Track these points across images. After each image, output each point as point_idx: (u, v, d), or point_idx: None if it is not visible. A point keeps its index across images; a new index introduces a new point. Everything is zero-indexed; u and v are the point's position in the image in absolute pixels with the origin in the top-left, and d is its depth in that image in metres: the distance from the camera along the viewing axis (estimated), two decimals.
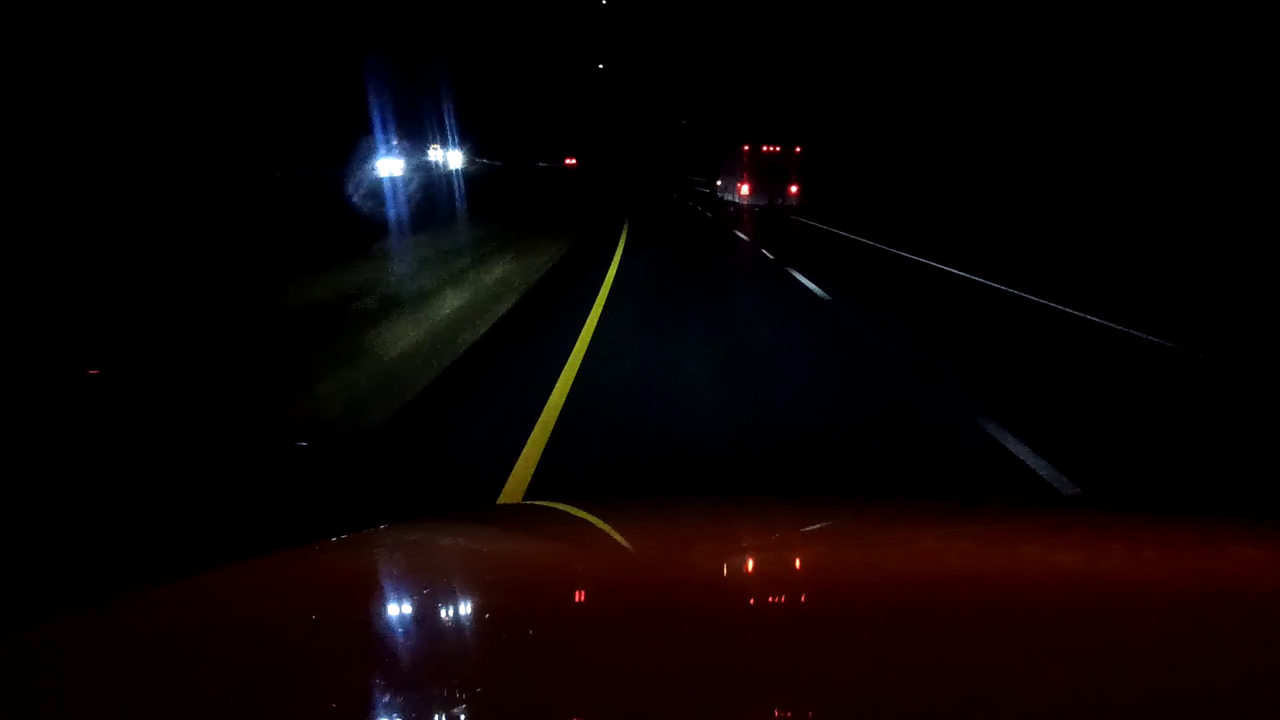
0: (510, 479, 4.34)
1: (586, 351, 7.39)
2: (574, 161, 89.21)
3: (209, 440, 4.71)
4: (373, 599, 1.22)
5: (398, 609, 1.16)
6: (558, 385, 6.22)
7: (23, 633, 1.05)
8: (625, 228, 23.12)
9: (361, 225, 18.91)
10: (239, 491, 4.04)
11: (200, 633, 1.08)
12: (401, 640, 1.04)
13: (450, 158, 57.38)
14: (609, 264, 14.42)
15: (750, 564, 1.44)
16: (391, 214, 24.11)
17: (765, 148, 33.87)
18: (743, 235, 22.27)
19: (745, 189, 33.94)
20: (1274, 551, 1.45)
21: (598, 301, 10.33)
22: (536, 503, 2.87)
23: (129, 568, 3.10)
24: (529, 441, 4.91)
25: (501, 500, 4.08)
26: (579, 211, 29.12)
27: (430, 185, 35.80)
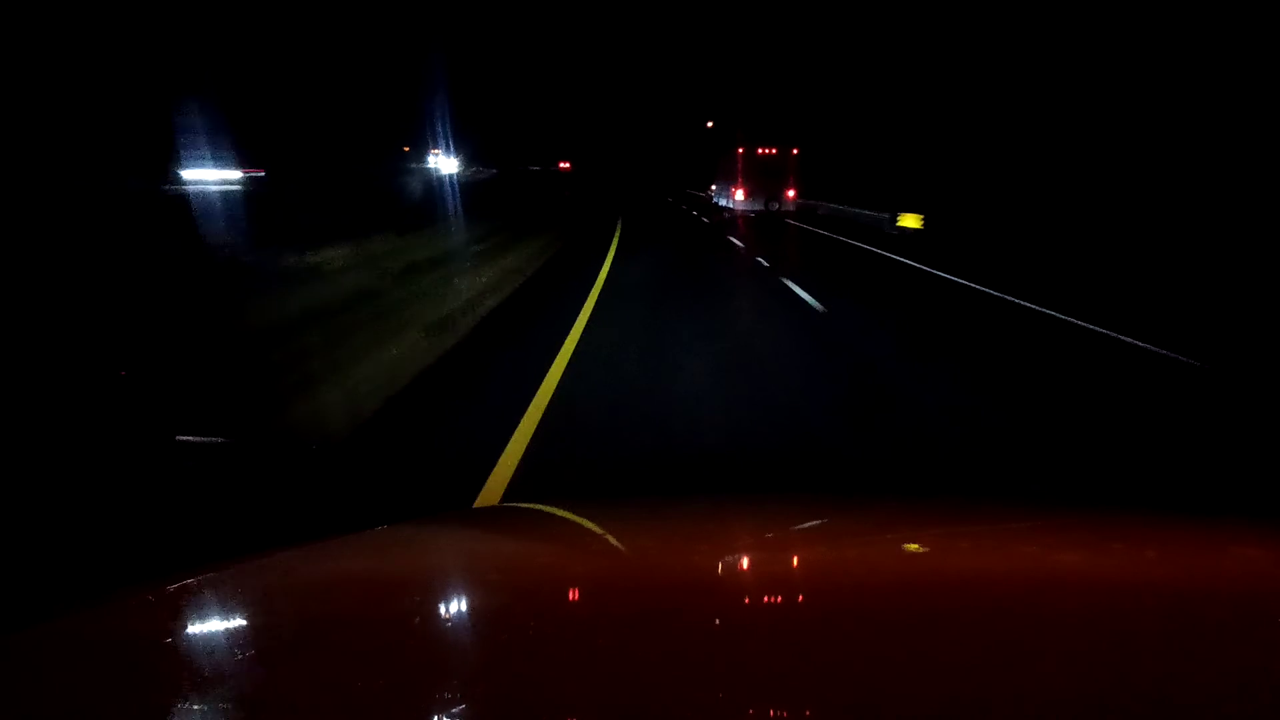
0: None
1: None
2: (568, 165, 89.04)
3: (208, 440, 4.69)
4: (367, 601, 1.21)
5: (392, 611, 1.16)
6: None
7: (23, 633, 1.05)
8: (616, 238, 20.62)
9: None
10: (239, 491, 4.03)
11: (199, 633, 1.08)
12: (395, 642, 1.04)
13: (444, 164, 54.53)
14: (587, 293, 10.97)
15: (743, 564, 1.44)
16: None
17: (760, 150, 32.73)
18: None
19: (740, 193, 32.79)
20: (1274, 551, 1.46)
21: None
22: (521, 504, 2.87)
23: (129, 568, 3.10)
24: None
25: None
26: (560, 225, 24.80)
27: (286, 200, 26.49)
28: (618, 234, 23.33)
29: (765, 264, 15.80)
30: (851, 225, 26.73)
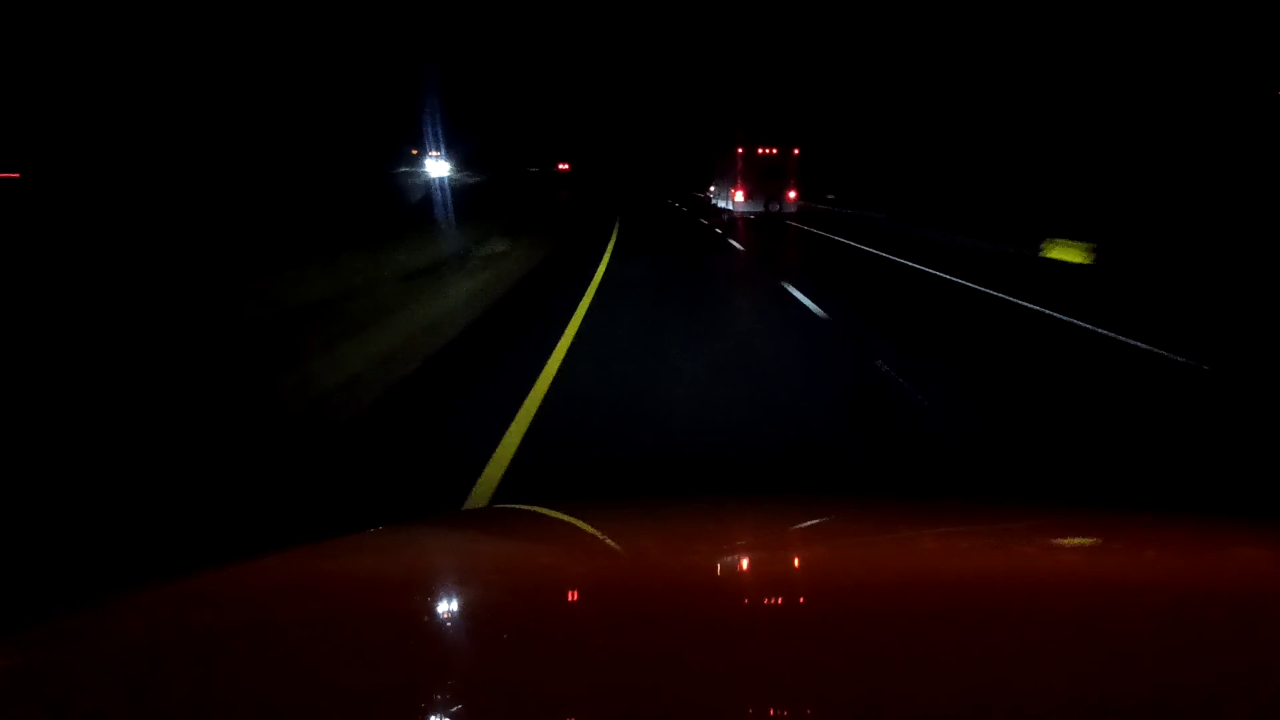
0: None
1: None
2: (567, 166, 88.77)
3: (208, 440, 4.69)
4: (365, 603, 1.22)
5: (390, 613, 1.17)
6: None
7: (23, 633, 1.05)
8: (605, 259, 15.88)
9: None
10: (239, 491, 4.04)
11: (196, 633, 1.08)
12: (394, 644, 1.05)
13: (435, 167, 51.87)
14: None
15: (742, 565, 1.44)
16: None
17: (760, 149, 31.96)
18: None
19: (740, 194, 32.03)
20: (1274, 551, 1.46)
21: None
22: (513, 505, 2.87)
23: (129, 568, 3.10)
24: None
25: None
26: (545, 238, 19.95)
27: None
28: (609, 252, 17.48)
29: (963, 424, 5.45)
30: (948, 252, 18.07)
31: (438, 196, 27.29)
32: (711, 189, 40.58)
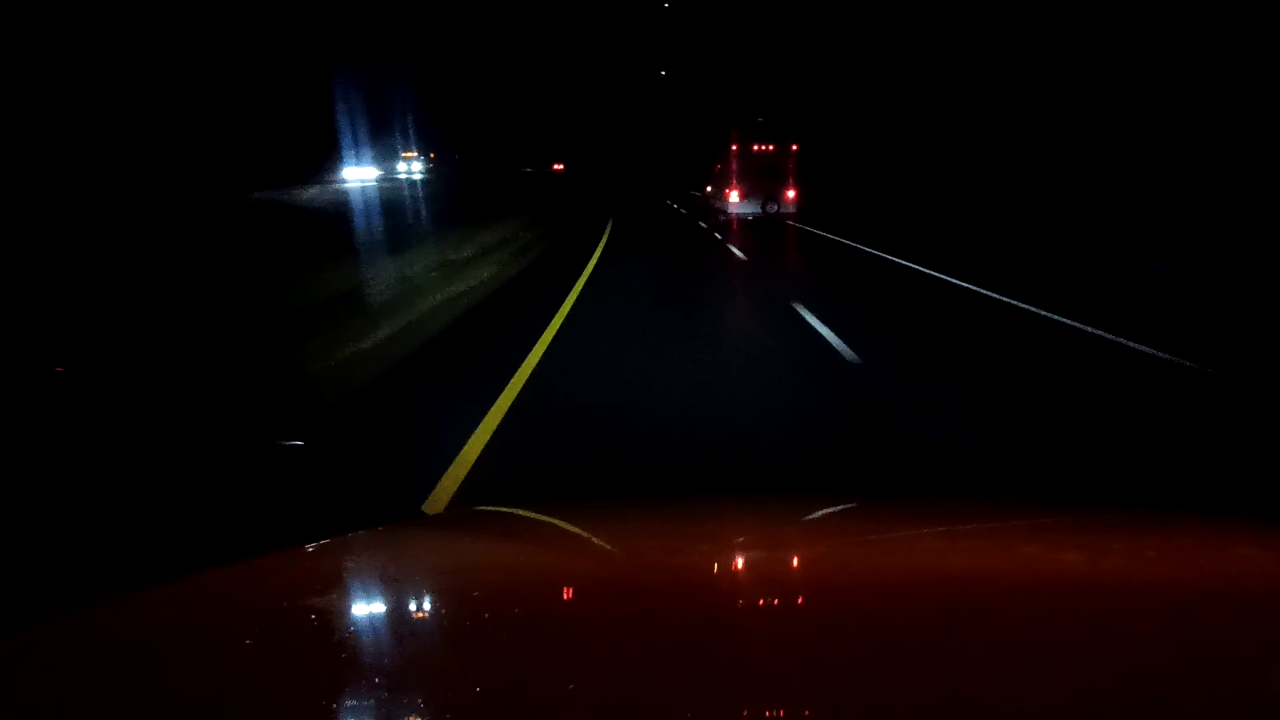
0: None
1: None
2: (561, 166, 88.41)
3: (209, 440, 4.68)
4: (362, 603, 1.22)
5: (385, 615, 1.17)
6: None
7: (23, 633, 1.04)
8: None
9: None
10: (239, 491, 4.01)
11: (198, 633, 1.08)
12: (390, 646, 1.05)
13: (358, 173, 44.83)
14: None
15: (737, 563, 1.44)
16: None
17: (756, 145, 30.84)
18: None
19: (735, 194, 30.96)
20: (1274, 551, 1.46)
21: None
22: (490, 508, 2.87)
23: (129, 568, 3.08)
24: None
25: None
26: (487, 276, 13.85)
27: None
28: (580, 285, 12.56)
29: None
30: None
31: (361, 222, 22.71)
32: (709, 189, 39.71)
